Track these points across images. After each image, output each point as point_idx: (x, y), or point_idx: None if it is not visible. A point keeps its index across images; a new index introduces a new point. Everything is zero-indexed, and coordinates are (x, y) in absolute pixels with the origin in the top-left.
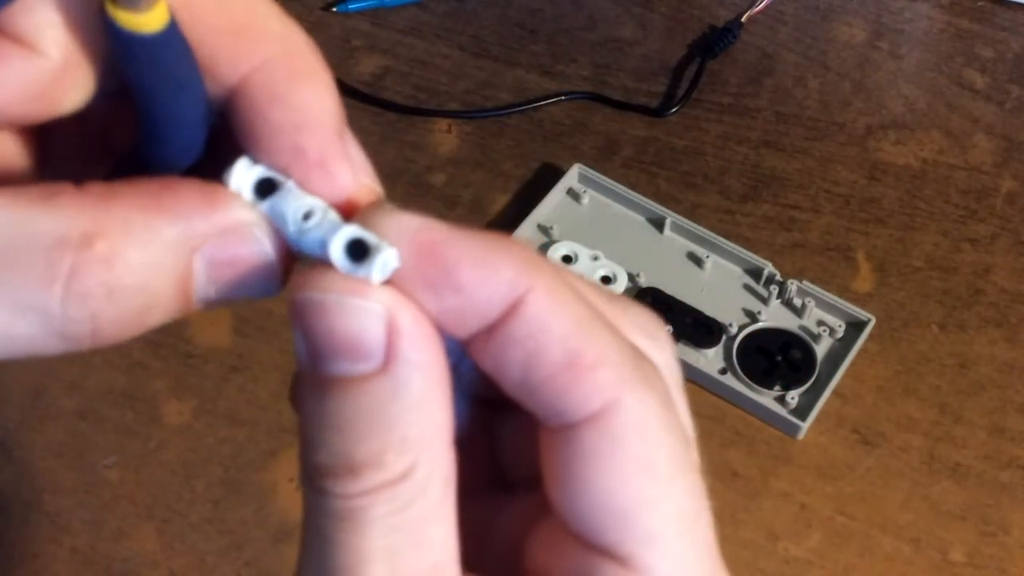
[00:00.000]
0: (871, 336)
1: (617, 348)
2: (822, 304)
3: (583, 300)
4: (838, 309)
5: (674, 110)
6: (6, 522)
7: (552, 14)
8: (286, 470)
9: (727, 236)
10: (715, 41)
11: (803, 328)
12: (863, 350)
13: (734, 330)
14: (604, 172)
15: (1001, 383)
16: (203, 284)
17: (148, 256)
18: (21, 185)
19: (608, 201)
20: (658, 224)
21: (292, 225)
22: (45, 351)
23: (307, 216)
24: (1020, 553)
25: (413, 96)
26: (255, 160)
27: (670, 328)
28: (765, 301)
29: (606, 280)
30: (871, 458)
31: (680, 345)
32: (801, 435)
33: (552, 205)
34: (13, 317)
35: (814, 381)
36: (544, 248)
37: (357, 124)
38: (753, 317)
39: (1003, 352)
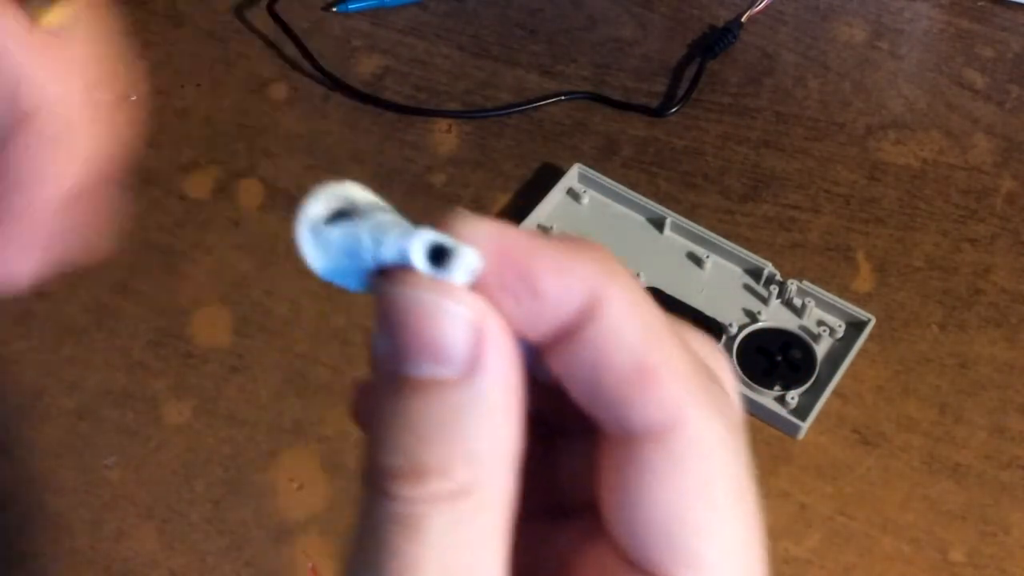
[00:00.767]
0: (871, 336)
1: (689, 364)
2: (822, 304)
3: (657, 312)
4: (838, 309)
5: (674, 110)
6: (6, 522)
7: (552, 14)
8: (286, 470)
9: (727, 236)
10: (715, 41)
11: (803, 328)
12: (863, 350)
13: (734, 330)
14: (604, 172)
15: (1001, 383)
16: None
17: None
18: None
19: (608, 201)
20: (658, 224)
21: (369, 240)
22: None
23: (380, 229)
24: (1020, 553)
25: (413, 96)
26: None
27: None
28: (765, 301)
29: None
30: (871, 458)
31: None
32: (801, 435)
33: (552, 205)
34: None
35: (814, 381)
36: None
37: (357, 124)
38: (753, 317)
39: (1003, 352)
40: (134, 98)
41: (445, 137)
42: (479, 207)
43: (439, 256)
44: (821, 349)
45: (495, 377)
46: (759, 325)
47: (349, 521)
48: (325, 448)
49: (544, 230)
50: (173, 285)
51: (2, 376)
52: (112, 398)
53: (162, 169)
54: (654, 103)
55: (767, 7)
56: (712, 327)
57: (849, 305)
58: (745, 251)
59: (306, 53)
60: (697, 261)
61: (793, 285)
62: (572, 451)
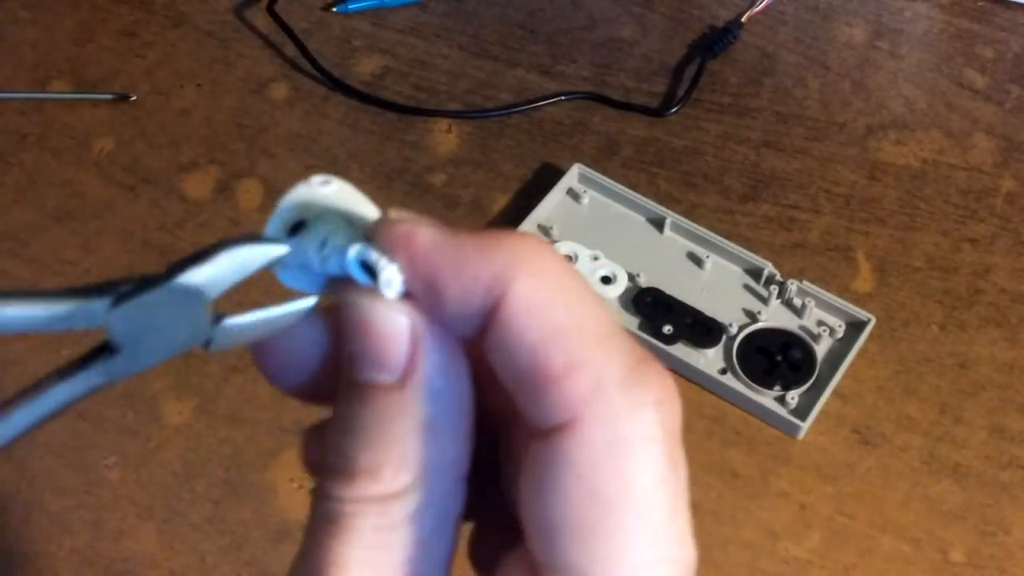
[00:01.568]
0: (871, 336)
1: (599, 361)
2: (822, 304)
3: (576, 305)
4: (838, 309)
5: (674, 110)
6: (6, 522)
7: (552, 14)
8: (286, 470)
9: (727, 236)
10: (715, 41)
11: (803, 328)
12: (863, 350)
13: (734, 330)
14: (604, 172)
15: (1001, 383)
16: None
17: None
18: None
19: (608, 201)
20: (658, 224)
21: (315, 256)
22: None
23: (322, 246)
24: (1020, 553)
25: (413, 96)
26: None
27: (670, 328)
28: (765, 301)
29: (606, 280)
30: (871, 458)
31: (680, 345)
32: (801, 435)
33: (552, 205)
34: None
35: (814, 381)
36: None
37: (357, 124)
38: (753, 317)
39: (1003, 352)
40: (134, 98)
41: (445, 137)
42: (479, 207)
43: (371, 270)
44: (821, 349)
45: (430, 388)
46: (759, 325)
47: None
48: None
49: (544, 230)
50: None
51: (2, 376)
52: (112, 398)
53: (162, 169)
54: (654, 103)
55: (767, 7)
56: (712, 327)
57: (849, 305)
58: (745, 251)
59: (306, 53)
60: (697, 261)
61: (793, 285)
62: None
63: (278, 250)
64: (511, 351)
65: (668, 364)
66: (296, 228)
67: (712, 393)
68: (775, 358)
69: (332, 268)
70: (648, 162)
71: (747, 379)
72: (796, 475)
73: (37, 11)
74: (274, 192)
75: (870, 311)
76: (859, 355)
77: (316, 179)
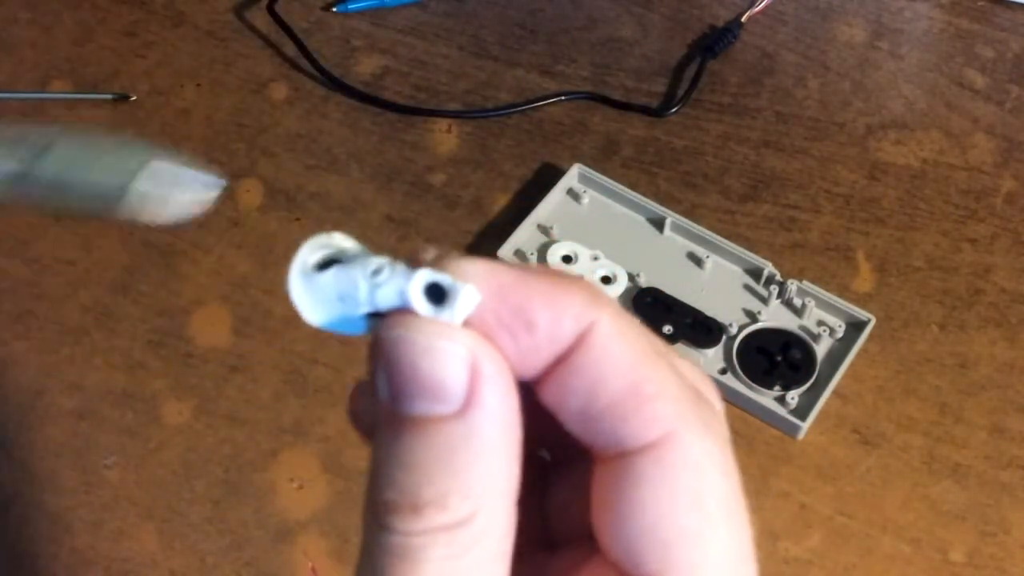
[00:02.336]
0: (871, 336)
1: (677, 384)
2: (822, 304)
3: (646, 335)
4: (838, 309)
5: (674, 110)
6: (6, 522)
7: (552, 14)
8: (286, 470)
9: (727, 236)
10: (715, 41)
11: (803, 328)
12: (863, 350)
13: (734, 330)
14: (604, 172)
15: (1001, 383)
16: None
17: None
18: None
19: (608, 201)
20: (658, 224)
21: (365, 283)
22: None
23: (376, 272)
24: (1020, 553)
25: (413, 96)
26: (322, 243)
27: (670, 328)
28: (765, 301)
29: (606, 280)
30: (871, 458)
31: (680, 345)
32: (801, 435)
33: (552, 205)
34: None
35: (814, 381)
36: (544, 248)
37: (357, 124)
38: (753, 317)
39: (1003, 352)
40: (134, 98)
41: (445, 137)
42: (479, 207)
43: (436, 295)
44: (821, 349)
45: (491, 411)
46: (759, 325)
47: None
48: (325, 448)
49: (544, 230)
50: (173, 285)
51: (2, 376)
52: (112, 398)
53: None
54: (654, 103)
55: (767, 7)
56: (712, 327)
57: (849, 305)
58: (745, 251)
59: (306, 53)
60: (697, 261)
61: (793, 285)
62: (561, 482)
63: (341, 243)
64: (604, 375)
65: None
66: (324, 267)
67: None
68: (775, 358)
69: (386, 296)
70: (648, 162)
71: (747, 379)
72: (796, 475)
73: (37, 11)
74: (274, 192)
75: (870, 311)
76: (859, 355)
77: (333, 233)
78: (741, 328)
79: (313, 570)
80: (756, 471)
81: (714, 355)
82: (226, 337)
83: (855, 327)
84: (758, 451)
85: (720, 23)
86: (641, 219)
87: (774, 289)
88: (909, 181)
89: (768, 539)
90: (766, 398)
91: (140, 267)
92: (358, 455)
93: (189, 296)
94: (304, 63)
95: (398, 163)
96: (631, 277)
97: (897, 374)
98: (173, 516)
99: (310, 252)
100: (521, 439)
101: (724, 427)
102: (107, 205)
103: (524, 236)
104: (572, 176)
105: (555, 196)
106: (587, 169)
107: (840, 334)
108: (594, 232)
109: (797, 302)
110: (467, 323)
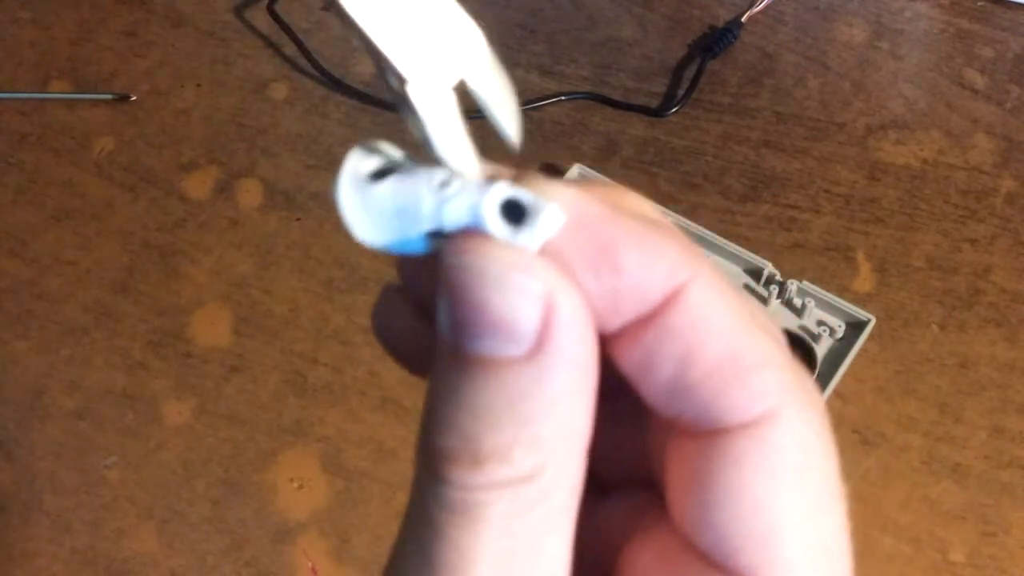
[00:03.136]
0: (871, 336)
1: (781, 354)
2: (822, 304)
3: (743, 297)
4: (838, 309)
5: (674, 110)
6: (6, 522)
7: (552, 14)
8: (286, 470)
9: (727, 236)
10: (715, 41)
11: (803, 328)
12: (863, 350)
13: None
14: (604, 172)
15: (1001, 383)
16: None
17: None
18: None
19: None
20: None
21: (430, 195)
22: None
23: (444, 184)
24: (1020, 553)
25: None
26: (370, 149)
27: None
28: (765, 301)
29: None
30: (871, 458)
31: None
32: None
33: None
34: None
35: (814, 381)
36: None
37: (357, 124)
38: None
39: (1003, 352)
40: (134, 98)
41: None
42: None
43: (513, 214)
44: (821, 349)
45: (566, 356)
46: None
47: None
48: (325, 448)
49: None
50: (173, 285)
51: (2, 376)
52: (112, 398)
53: (162, 169)
54: (654, 103)
55: (767, 7)
56: None
57: (849, 305)
58: (745, 251)
59: (306, 53)
60: None
61: (793, 285)
62: (609, 427)
63: (391, 152)
64: (702, 340)
65: None
66: (378, 177)
67: None
68: None
69: (454, 213)
70: (648, 162)
71: None
72: None
73: (37, 11)
74: (274, 192)
75: (870, 311)
76: (859, 355)
77: (381, 141)
78: None
79: (313, 570)
80: None
81: None
82: (226, 337)
83: (855, 327)
84: None
85: (720, 23)
86: None
87: (774, 289)
88: (909, 181)
89: None
90: None
91: (140, 267)
92: (358, 455)
93: (189, 296)
94: (304, 63)
95: None
96: None
97: (897, 374)
98: (173, 516)
99: (361, 159)
100: (596, 388)
101: (822, 400)
102: None
103: None
104: (572, 176)
105: None
106: (587, 169)
107: (840, 334)
108: None
109: (797, 302)
110: (545, 252)
